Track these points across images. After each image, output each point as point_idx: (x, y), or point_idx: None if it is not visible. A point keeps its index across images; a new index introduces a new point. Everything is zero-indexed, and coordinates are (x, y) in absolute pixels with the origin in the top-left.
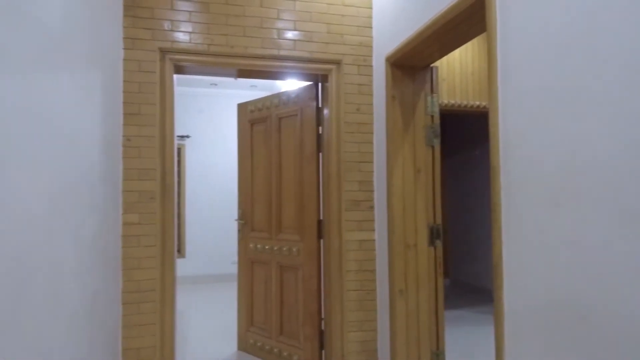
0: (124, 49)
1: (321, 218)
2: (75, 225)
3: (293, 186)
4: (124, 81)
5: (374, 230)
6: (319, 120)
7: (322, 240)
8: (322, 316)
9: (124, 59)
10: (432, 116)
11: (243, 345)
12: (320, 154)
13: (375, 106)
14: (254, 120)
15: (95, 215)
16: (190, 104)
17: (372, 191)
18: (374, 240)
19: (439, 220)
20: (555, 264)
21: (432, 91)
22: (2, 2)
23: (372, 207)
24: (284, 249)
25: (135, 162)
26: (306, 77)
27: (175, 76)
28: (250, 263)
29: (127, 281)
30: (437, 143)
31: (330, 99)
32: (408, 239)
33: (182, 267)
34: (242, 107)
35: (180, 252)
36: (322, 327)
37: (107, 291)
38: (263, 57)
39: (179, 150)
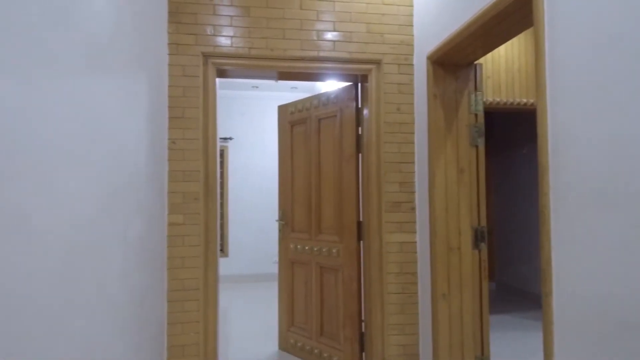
0: (169, 54)
1: (361, 219)
2: (123, 226)
3: (332, 187)
4: (169, 86)
5: (415, 232)
6: (358, 120)
7: (362, 242)
8: (363, 318)
9: (169, 64)
10: (476, 115)
11: (284, 345)
12: (360, 155)
13: (417, 105)
14: (294, 122)
15: (141, 216)
16: (233, 107)
17: (413, 192)
18: (415, 242)
19: (483, 222)
20: (606, 269)
21: (475, 89)
22: (53, 16)
23: (413, 209)
24: (324, 250)
25: (179, 164)
26: (346, 77)
27: (217, 80)
28: (290, 263)
29: (172, 280)
30: (481, 142)
31: (370, 99)
32: (451, 241)
33: (226, 266)
34: (282, 109)
35: (224, 251)
36: (363, 330)
37: (154, 289)
38: (302, 59)
39: (222, 151)
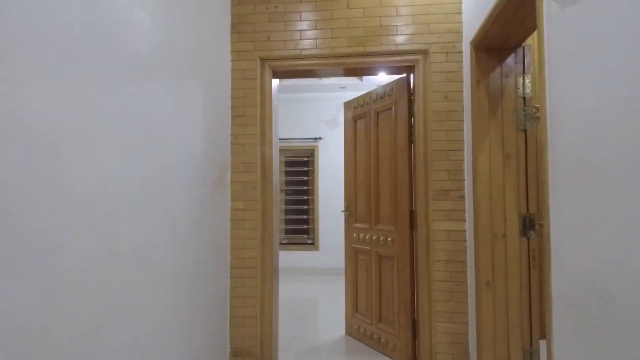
0: (232, 60)
1: (413, 208)
2: (169, 204)
3: (389, 178)
4: (232, 88)
5: (464, 220)
6: (411, 111)
7: (414, 231)
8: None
9: (232, 69)
10: (525, 98)
11: (349, 329)
12: (412, 145)
13: (466, 93)
14: (357, 116)
15: (193, 198)
16: (323, 108)
17: (462, 180)
18: (464, 230)
19: (533, 210)
20: (590, 244)
21: (524, 71)
22: (101, 40)
23: (462, 197)
24: (381, 239)
25: (240, 157)
26: (393, 70)
27: (308, 82)
28: (354, 252)
29: (234, 258)
30: (530, 126)
31: (418, 88)
32: (495, 229)
33: (317, 259)
34: (347, 105)
35: (315, 245)
36: (416, 317)
37: (216, 264)
38: (349, 56)
39: (312, 151)
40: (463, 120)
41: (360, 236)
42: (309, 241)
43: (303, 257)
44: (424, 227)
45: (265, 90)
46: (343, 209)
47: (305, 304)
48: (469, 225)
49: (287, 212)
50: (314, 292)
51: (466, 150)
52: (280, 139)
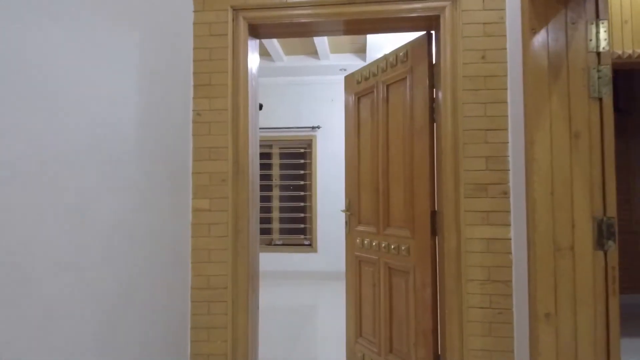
0: (194, 11)
1: (436, 208)
2: (70, 201)
3: (402, 168)
4: (194, 48)
5: (509, 225)
6: (432, 80)
7: (437, 237)
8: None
9: (194, 23)
10: (599, 54)
11: (351, 357)
12: (435, 125)
13: (511, 51)
14: (360, 92)
15: (123, 194)
16: (321, 94)
17: (506, 170)
18: (509, 239)
19: (612, 211)
20: None
21: (597, 16)
22: None
23: (505, 194)
24: (392, 247)
25: (205, 139)
26: (408, 25)
27: (303, 64)
28: (357, 262)
29: (196, 276)
30: (607, 94)
31: (443, 47)
32: (559, 239)
33: (314, 262)
34: (348, 80)
35: (312, 246)
36: (440, 352)
37: (168, 284)
38: (351, 3)
39: (310, 141)
40: (507, 89)
41: (365, 242)
42: (306, 242)
43: (299, 259)
44: (453, 234)
45: (239, 50)
46: (344, 207)
47: (301, 314)
48: (516, 232)
49: (281, 209)
50: (311, 299)
51: (512, 128)
52: (273, 128)
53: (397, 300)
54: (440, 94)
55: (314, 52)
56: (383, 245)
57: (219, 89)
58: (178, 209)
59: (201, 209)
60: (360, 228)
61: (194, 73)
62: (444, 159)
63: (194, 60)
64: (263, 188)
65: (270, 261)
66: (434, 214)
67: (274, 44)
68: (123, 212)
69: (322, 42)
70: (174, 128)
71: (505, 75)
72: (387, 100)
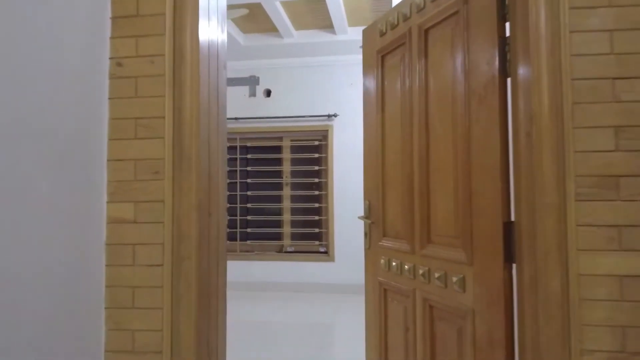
0: None
1: (512, 218)
2: None
3: (451, 155)
4: None
5: None
6: (503, 10)
7: (518, 265)
8: None
9: None
10: None
11: None
12: (510, 81)
13: None
14: (385, 48)
15: None
16: (338, 77)
17: None
18: None
19: None
20: None
21: None
22: None
23: None
24: (436, 275)
25: (128, 106)
26: None
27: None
28: (381, 291)
29: (112, 331)
30: None
31: None
32: None
33: (331, 273)
34: (368, 32)
35: (329, 254)
36: None
37: (68, 348)
38: None
39: (325, 132)
40: None
41: (394, 264)
42: (322, 249)
43: (314, 269)
44: (553, 265)
45: None
46: (362, 212)
47: (317, 335)
48: None
49: (293, 211)
50: (329, 316)
51: None
52: (282, 118)
53: (442, 358)
54: (516, 27)
55: (329, 26)
56: (420, 271)
57: (151, 22)
58: (78, 220)
59: (121, 219)
60: (386, 243)
61: (112, 1)
62: (534, 132)
63: None
64: (273, 187)
65: (280, 271)
66: (508, 227)
67: (282, 16)
68: None
69: (338, 11)
70: (73, 86)
71: None
72: (425, 53)
